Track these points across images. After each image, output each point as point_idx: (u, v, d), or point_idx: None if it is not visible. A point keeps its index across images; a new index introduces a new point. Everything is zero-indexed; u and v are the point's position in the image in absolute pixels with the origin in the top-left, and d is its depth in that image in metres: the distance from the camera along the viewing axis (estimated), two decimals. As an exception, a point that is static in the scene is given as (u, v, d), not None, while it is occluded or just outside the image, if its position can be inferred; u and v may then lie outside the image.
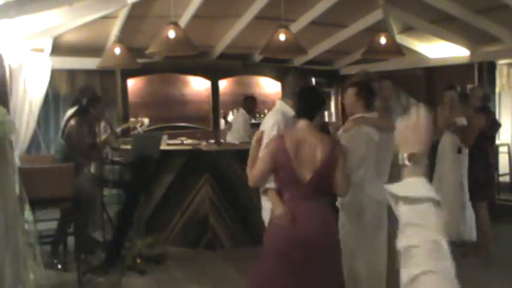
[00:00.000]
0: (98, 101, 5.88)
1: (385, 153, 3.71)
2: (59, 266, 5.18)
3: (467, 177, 5.82)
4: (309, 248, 2.97)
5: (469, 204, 5.82)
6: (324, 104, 3.35)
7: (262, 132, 3.34)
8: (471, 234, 5.81)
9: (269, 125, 3.44)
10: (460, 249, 5.75)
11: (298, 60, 8.92)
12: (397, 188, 1.34)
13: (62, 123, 5.91)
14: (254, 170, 3.12)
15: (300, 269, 2.97)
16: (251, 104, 7.49)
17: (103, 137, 6.06)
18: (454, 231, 5.86)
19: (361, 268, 3.65)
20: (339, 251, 3.15)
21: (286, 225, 3.00)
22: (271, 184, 3.18)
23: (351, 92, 3.70)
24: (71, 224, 5.27)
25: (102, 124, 6.29)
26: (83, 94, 6.00)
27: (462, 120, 5.73)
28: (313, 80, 9.60)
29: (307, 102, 3.15)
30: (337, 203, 3.68)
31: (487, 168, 5.56)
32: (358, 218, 3.64)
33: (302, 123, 3.09)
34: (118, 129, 6.31)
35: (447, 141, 5.92)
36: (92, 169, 5.85)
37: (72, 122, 5.52)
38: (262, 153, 3.12)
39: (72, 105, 5.91)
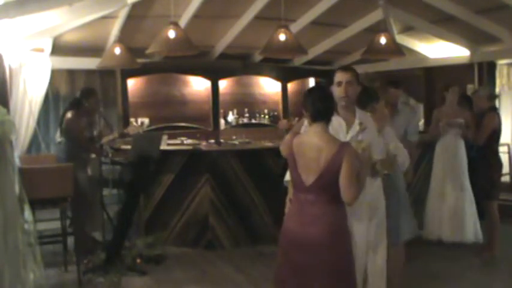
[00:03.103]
0: (91, 93, 5.84)
1: (377, 153, 3.70)
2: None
3: (468, 178, 5.81)
4: (312, 252, 2.92)
5: (469, 204, 5.81)
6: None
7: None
8: (472, 234, 5.79)
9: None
10: (460, 249, 5.75)
11: (298, 60, 8.92)
12: None
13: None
14: (284, 143, 3.22)
15: (303, 271, 2.95)
16: None
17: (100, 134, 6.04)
18: (454, 231, 5.85)
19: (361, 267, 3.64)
20: (348, 256, 3.01)
21: (293, 227, 3.02)
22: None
23: None
24: (70, 224, 5.27)
25: (102, 124, 6.28)
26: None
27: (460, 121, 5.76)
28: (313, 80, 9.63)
29: (321, 105, 3.00)
30: None
31: (499, 167, 5.63)
32: (351, 217, 3.64)
33: (315, 126, 3.00)
34: (116, 134, 6.28)
35: (446, 141, 5.91)
36: (89, 171, 5.84)
37: (69, 114, 5.52)
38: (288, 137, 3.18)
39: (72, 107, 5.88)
